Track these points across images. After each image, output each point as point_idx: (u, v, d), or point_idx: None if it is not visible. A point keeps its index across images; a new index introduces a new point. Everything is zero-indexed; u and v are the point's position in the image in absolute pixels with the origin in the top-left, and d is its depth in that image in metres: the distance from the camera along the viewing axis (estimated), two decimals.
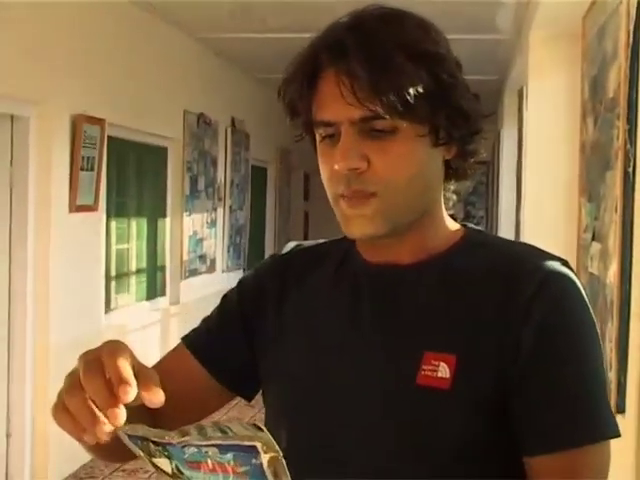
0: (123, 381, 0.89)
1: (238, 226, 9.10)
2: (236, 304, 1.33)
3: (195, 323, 1.39)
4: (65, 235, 5.24)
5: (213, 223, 8.25)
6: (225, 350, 1.30)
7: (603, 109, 2.65)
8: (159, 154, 7.22)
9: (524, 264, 1.15)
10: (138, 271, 6.90)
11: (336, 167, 1.12)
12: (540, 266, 1.13)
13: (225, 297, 1.37)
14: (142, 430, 0.90)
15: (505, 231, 8.30)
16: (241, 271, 9.13)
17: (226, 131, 8.51)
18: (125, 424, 0.90)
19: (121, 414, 0.89)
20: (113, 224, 6.34)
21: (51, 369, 5.09)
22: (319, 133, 1.17)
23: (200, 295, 7.44)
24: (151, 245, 7.14)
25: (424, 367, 1.11)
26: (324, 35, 1.17)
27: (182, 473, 0.89)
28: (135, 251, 6.86)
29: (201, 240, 7.91)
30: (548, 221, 5.08)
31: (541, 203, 5.35)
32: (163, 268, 7.35)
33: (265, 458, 0.83)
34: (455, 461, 1.09)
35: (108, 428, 0.89)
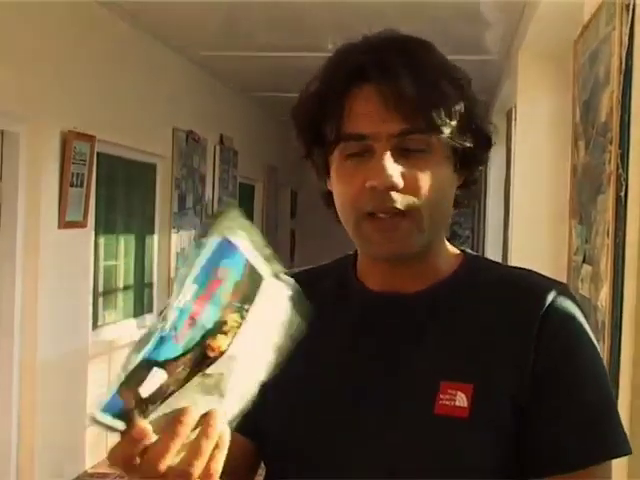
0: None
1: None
2: None
3: None
4: (54, 251, 5.23)
5: None
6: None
7: (595, 133, 2.68)
8: (148, 171, 7.22)
9: (530, 290, 1.17)
10: (126, 288, 6.88)
11: (373, 183, 1.10)
12: (546, 291, 1.15)
13: None
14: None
15: (492, 251, 8.32)
16: None
17: (214, 148, 8.52)
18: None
19: None
20: (101, 240, 6.32)
21: (38, 385, 5.07)
22: (341, 149, 1.15)
23: None
24: (139, 262, 7.12)
25: (441, 396, 1.10)
26: (356, 53, 1.17)
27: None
28: (123, 267, 6.85)
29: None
30: (536, 242, 5.11)
31: (529, 224, 5.38)
32: (151, 285, 7.33)
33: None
34: None
35: None
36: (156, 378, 0.82)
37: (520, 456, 1.10)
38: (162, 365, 0.82)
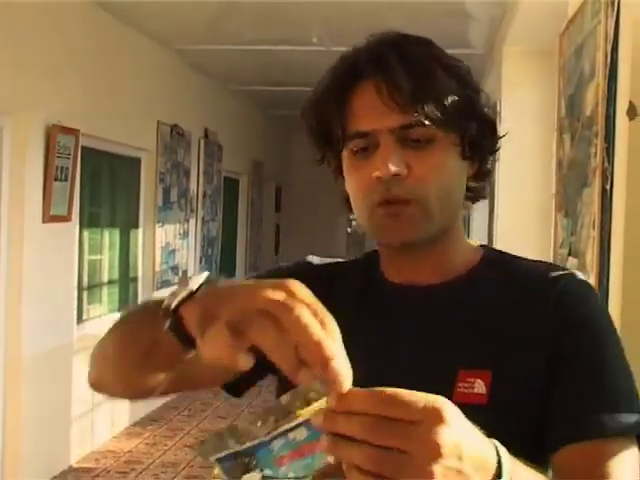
0: (344, 378, 0.78)
1: (210, 237, 9.09)
2: None
3: None
4: (38, 245, 5.22)
5: (185, 234, 8.23)
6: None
7: (580, 127, 2.69)
8: (132, 165, 7.20)
9: (546, 274, 1.19)
10: (110, 282, 6.86)
11: (377, 173, 1.13)
12: (561, 274, 1.19)
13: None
14: (228, 441, 0.83)
15: None
16: None
17: (199, 142, 8.51)
18: (205, 444, 0.83)
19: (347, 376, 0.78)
20: (86, 234, 6.31)
21: (23, 379, 5.06)
22: (350, 148, 1.18)
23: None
24: (123, 256, 7.11)
25: (460, 384, 1.12)
26: (355, 53, 1.20)
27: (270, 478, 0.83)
28: (107, 262, 6.83)
29: (173, 251, 7.90)
30: (522, 235, 5.13)
31: (515, 217, 5.40)
32: (135, 279, 7.32)
33: None
34: None
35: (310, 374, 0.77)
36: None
37: (541, 434, 1.11)
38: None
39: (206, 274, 0.94)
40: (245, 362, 0.80)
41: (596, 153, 2.41)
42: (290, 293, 0.79)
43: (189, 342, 0.90)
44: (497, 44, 6.19)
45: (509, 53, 5.62)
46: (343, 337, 1.19)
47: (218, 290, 0.87)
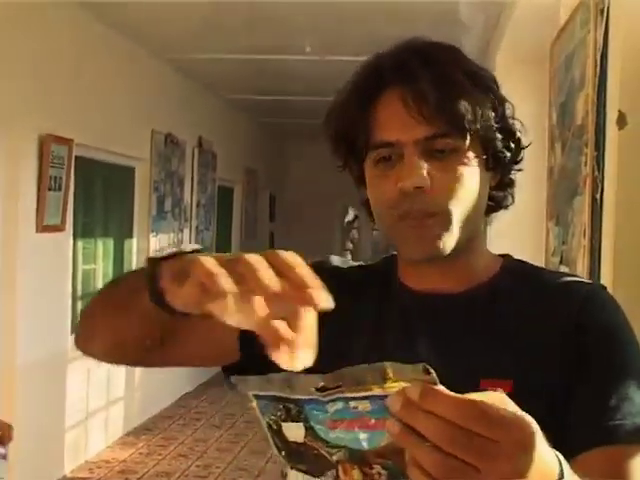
0: (312, 283, 0.79)
1: (204, 246, 9.06)
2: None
3: None
4: (32, 255, 5.21)
5: (179, 243, 8.23)
6: None
7: (571, 135, 2.70)
8: (126, 174, 7.20)
9: (569, 285, 1.20)
10: None
11: (401, 185, 1.12)
12: (583, 283, 1.20)
13: None
14: (277, 385, 0.81)
15: None
16: None
17: (193, 151, 8.51)
18: (249, 379, 0.82)
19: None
20: (80, 244, 6.31)
21: (17, 388, 5.05)
22: (372, 157, 1.17)
23: None
24: (118, 265, 7.10)
25: None
26: (380, 61, 1.18)
27: (317, 437, 0.81)
28: (102, 271, 6.83)
29: None
30: (515, 244, 5.13)
31: (508, 226, 5.40)
32: None
33: None
34: None
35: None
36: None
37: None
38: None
39: (198, 246, 0.96)
40: (217, 308, 0.79)
41: (586, 162, 2.42)
42: (260, 257, 0.80)
43: (158, 297, 0.93)
44: (490, 53, 6.20)
45: (502, 62, 5.63)
46: (363, 343, 1.21)
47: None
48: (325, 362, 1.18)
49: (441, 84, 1.12)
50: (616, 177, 2.17)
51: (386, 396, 0.74)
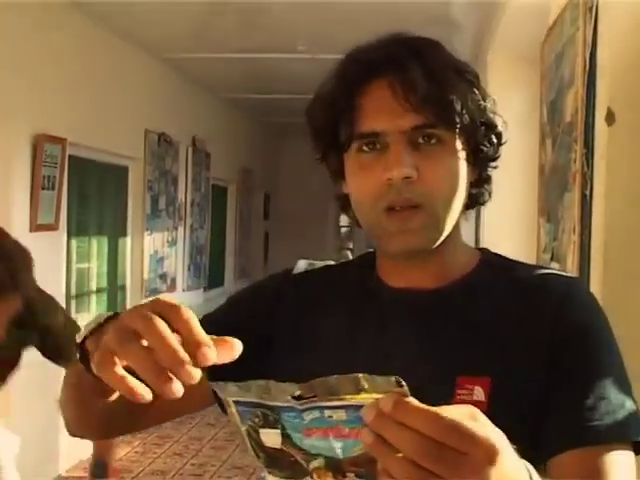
0: (202, 341, 0.77)
1: (198, 245, 9.09)
2: (247, 312, 1.30)
3: None
4: None
5: (174, 242, 8.24)
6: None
7: (561, 132, 2.71)
8: (120, 173, 7.21)
9: (547, 281, 1.19)
10: (99, 290, 6.86)
11: (389, 175, 1.11)
12: (562, 281, 1.19)
13: (236, 303, 1.34)
14: (255, 392, 0.81)
15: None
16: (201, 290, 9.11)
17: (187, 150, 8.52)
18: (229, 385, 0.82)
19: (197, 373, 0.77)
20: (74, 243, 6.31)
21: (11, 389, 5.04)
22: (356, 147, 1.16)
23: None
24: (112, 264, 7.11)
25: (459, 391, 1.11)
26: (367, 52, 1.18)
27: (293, 444, 0.82)
28: (96, 270, 6.83)
29: (162, 259, 7.90)
30: (507, 240, 5.15)
31: (500, 223, 5.43)
32: (124, 287, 7.31)
33: None
34: None
35: (178, 387, 0.77)
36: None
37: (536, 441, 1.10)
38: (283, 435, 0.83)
39: (113, 313, 0.99)
40: (141, 393, 0.79)
41: (576, 159, 2.44)
42: (150, 309, 0.80)
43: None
44: (482, 52, 6.22)
45: (494, 61, 5.66)
46: (337, 341, 1.21)
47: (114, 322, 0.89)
48: (300, 365, 1.20)
49: (430, 76, 1.12)
50: (605, 173, 2.19)
51: (361, 406, 0.76)
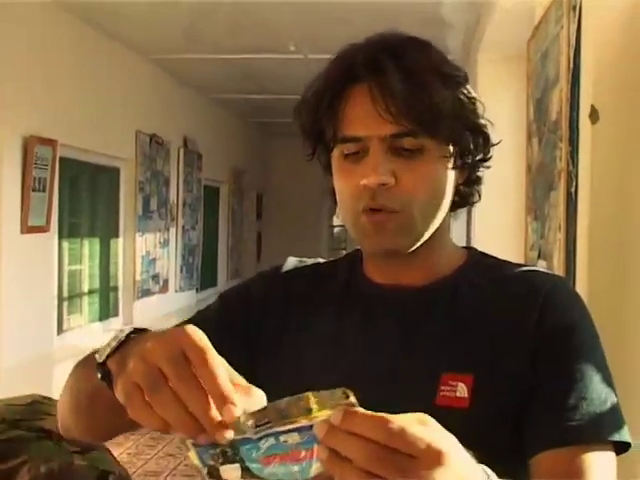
0: (227, 397, 0.79)
1: (191, 246, 9.09)
2: (239, 310, 1.30)
3: None
4: (17, 256, 5.21)
5: (166, 243, 8.23)
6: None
7: (547, 131, 2.72)
8: (111, 174, 7.21)
9: (531, 280, 1.19)
10: (91, 292, 6.86)
11: (365, 182, 1.12)
12: (546, 280, 1.19)
13: (227, 301, 1.33)
14: None
15: None
16: (194, 291, 9.11)
17: (178, 151, 8.51)
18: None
19: (228, 431, 0.79)
20: (65, 245, 6.30)
21: (2, 391, 5.04)
22: (341, 150, 1.17)
23: (153, 315, 7.42)
24: (104, 265, 7.10)
25: (442, 388, 1.12)
26: (352, 54, 1.17)
27: (254, 476, 0.82)
28: (88, 272, 6.83)
29: (154, 260, 7.89)
30: (498, 238, 5.17)
31: (490, 222, 5.44)
32: (116, 289, 7.31)
33: None
34: None
35: (207, 436, 0.80)
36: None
37: (520, 439, 1.11)
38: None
39: (133, 327, 0.99)
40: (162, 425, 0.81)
41: (561, 157, 2.44)
42: (178, 348, 0.81)
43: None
44: (472, 51, 6.23)
45: (483, 59, 5.67)
46: (324, 338, 1.22)
47: (137, 344, 0.90)
48: (288, 364, 1.21)
49: (410, 82, 1.11)
50: (590, 171, 2.19)
51: (312, 426, 0.77)
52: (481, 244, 5.52)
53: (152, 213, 7.78)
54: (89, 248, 6.87)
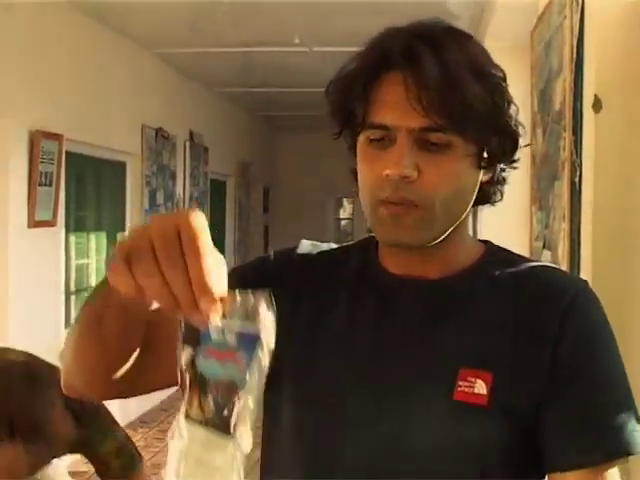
0: (209, 293, 0.78)
1: None
2: (255, 281, 1.30)
3: None
4: (24, 251, 5.23)
5: None
6: None
7: (551, 121, 2.72)
8: (118, 169, 7.22)
9: (553, 284, 1.17)
10: None
11: (388, 172, 1.11)
12: (567, 289, 1.16)
13: (240, 274, 1.27)
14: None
15: None
16: None
17: (184, 145, 8.52)
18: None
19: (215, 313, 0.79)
20: (72, 239, 6.33)
21: None
22: (367, 135, 1.15)
23: None
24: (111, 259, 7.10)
25: (460, 383, 1.11)
26: (390, 39, 1.15)
27: (194, 365, 0.84)
28: (95, 265, 6.85)
29: None
30: (504, 229, 5.17)
31: (496, 213, 5.44)
32: None
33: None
34: (487, 476, 1.10)
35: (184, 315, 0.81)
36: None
37: (538, 450, 1.11)
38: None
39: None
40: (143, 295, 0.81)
41: (565, 146, 2.45)
42: (175, 225, 0.81)
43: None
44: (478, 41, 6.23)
45: (488, 49, 5.66)
46: (337, 327, 1.21)
47: None
48: (299, 348, 1.20)
49: (446, 76, 1.09)
50: (593, 161, 2.19)
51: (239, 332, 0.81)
52: (487, 234, 5.52)
53: (158, 207, 7.80)
54: (96, 242, 6.88)
